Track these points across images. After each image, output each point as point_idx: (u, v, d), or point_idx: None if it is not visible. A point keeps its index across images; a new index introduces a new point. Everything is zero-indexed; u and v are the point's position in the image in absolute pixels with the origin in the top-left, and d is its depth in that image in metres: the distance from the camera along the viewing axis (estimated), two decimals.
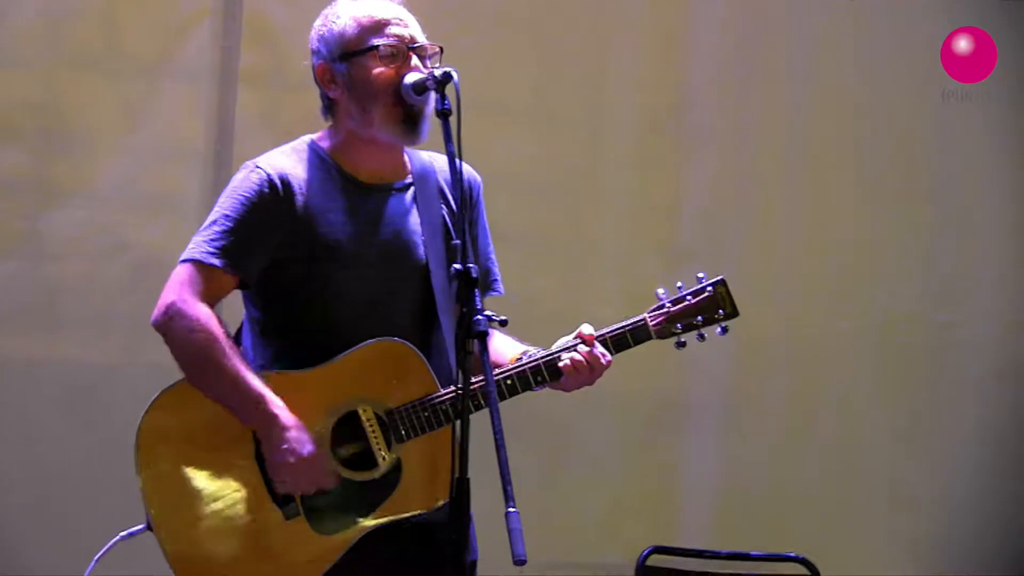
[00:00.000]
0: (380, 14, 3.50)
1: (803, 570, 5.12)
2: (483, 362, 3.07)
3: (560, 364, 3.44)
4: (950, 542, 5.77)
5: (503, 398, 3.39)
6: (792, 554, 5.16)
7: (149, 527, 3.38)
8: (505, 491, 2.91)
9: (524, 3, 5.42)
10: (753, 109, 5.67)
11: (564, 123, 5.49)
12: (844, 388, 5.74)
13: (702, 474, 5.62)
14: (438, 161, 3.58)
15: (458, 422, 3.03)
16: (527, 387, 3.45)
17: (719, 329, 3.58)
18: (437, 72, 3.30)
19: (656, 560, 5.11)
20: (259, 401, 3.32)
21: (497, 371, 3.41)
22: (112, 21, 5.00)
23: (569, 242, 5.51)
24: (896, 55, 5.76)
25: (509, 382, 3.42)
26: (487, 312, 3.08)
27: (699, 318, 3.54)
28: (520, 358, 3.49)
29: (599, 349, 3.46)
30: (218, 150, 5.05)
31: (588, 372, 3.45)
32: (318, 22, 3.57)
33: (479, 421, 3.15)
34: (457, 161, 3.20)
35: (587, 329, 3.47)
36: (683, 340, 3.56)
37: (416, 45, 3.47)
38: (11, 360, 4.94)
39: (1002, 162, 5.87)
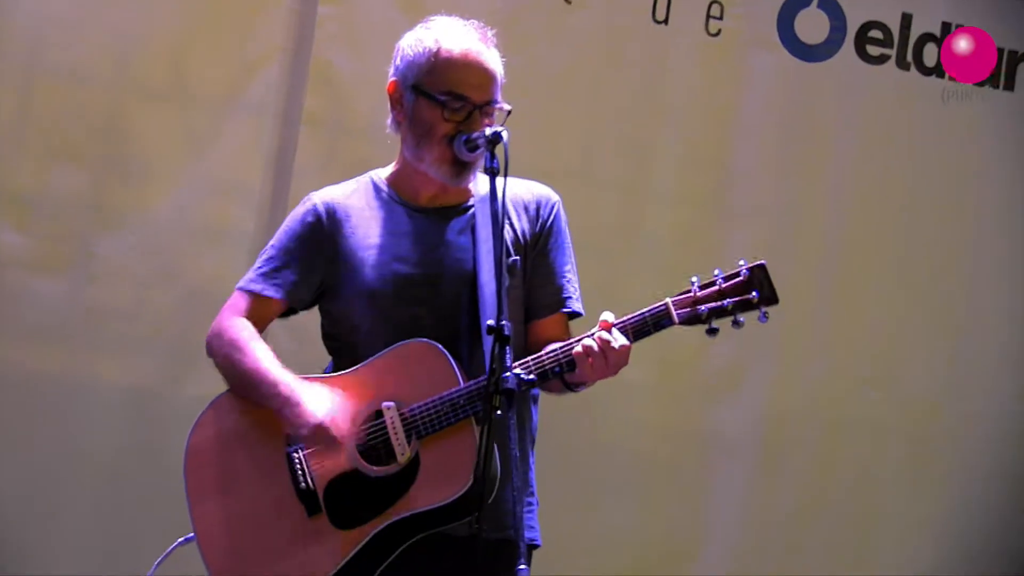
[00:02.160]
0: (467, 64, 3.51)
1: None
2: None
3: (573, 351, 3.38)
4: None
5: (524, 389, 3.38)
6: None
7: None
8: (518, 546, 2.97)
9: (580, 71, 5.46)
10: (795, 191, 5.68)
11: (607, 190, 5.51)
12: (865, 468, 5.70)
13: (720, 542, 5.60)
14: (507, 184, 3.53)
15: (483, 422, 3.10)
16: (545, 378, 3.41)
17: (760, 315, 3.36)
18: (488, 131, 3.37)
19: None
20: (274, 385, 3.46)
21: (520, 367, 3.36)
22: (183, 53, 5.07)
23: (604, 308, 5.51)
24: (941, 142, 5.76)
25: (530, 375, 3.38)
26: (516, 370, 3.15)
27: (727, 302, 3.35)
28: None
29: (613, 334, 3.35)
30: (275, 189, 5.10)
31: (603, 359, 3.34)
32: (409, 37, 3.58)
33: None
34: (501, 216, 3.29)
35: (606, 316, 3.39)
36: (714, 326, 3.35)
37: (482, 104, 3.49)
38: (51, 375, 4.99)
39: None
